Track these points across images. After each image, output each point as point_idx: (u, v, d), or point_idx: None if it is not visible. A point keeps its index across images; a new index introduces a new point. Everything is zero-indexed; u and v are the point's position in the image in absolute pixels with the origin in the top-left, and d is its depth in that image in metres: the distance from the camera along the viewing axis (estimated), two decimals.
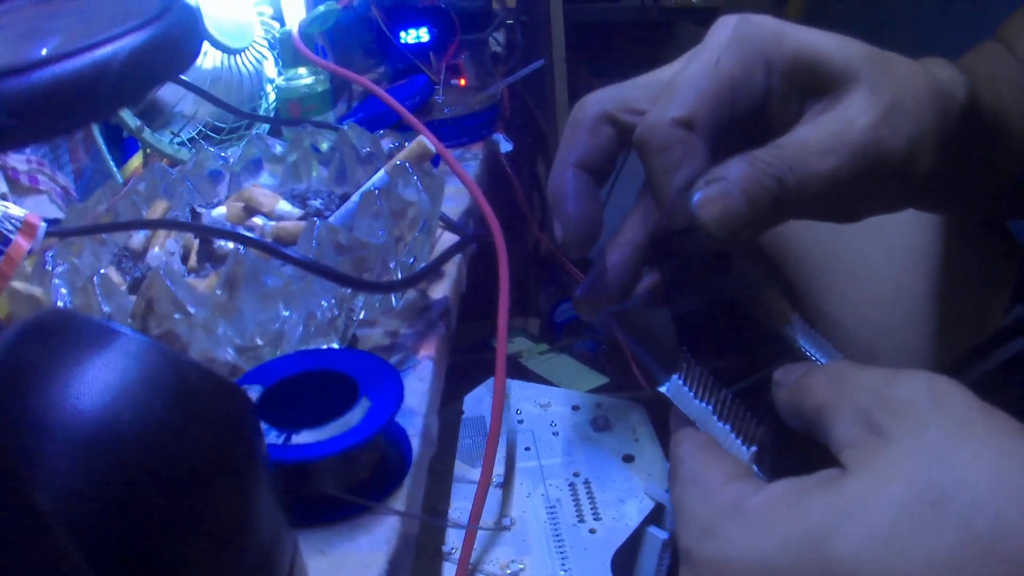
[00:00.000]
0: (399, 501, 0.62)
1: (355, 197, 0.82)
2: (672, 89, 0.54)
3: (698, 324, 0.57)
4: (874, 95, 0.51)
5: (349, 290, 0.72)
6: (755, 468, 0.49)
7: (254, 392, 0.64)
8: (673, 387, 0.52)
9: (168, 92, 1.19)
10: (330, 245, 0.71)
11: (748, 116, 0.55)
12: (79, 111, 0.56)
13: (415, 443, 0.67)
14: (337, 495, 0.60)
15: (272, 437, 0.59)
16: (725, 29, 0.55)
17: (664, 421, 0.54)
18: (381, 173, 0.83)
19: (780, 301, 0.57)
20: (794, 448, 0.49)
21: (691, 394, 0.52)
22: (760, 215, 0.50)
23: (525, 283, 1.85)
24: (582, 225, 0.59)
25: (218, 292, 0.68)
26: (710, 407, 0.51)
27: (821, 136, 0.50)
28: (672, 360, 0.53)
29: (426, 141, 0.85)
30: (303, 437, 0.59)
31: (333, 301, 0.72)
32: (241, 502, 0.43)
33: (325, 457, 0.58)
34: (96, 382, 0.39)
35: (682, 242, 0.56)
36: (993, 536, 0.37)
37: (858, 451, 0.42)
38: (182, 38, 0.61)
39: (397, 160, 0.83)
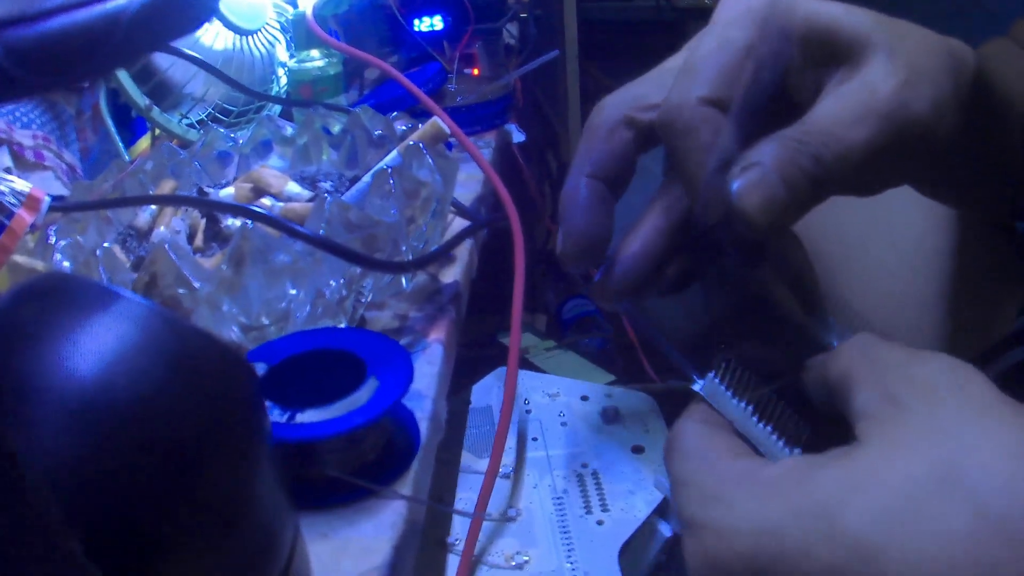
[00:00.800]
0: (406, 486, 0.61)
1: (367, 177, 0.80)
2: (690, 67, 0.53)
3: (733, 320, 0.55)
4: (892, 59, 0.49)
5: (358, 270, 0.71)
6: None
7: (260, 370, 0.62)
8: (709, 386, 0.50)
9: (178, 72, 1.18)
10: (340, 223, 0.70)
11: (771, 91, 0.53)
12: (87, 63, 0.55)
13: (423, 427, 0.65)
14: (341, 477, 0.59)
15: (276, 415, 0.58)
16: (734, 3, 0.55)
17: (675, 412, 0.53)
18: (394, 153, 0.82)
19: (816, 292, 0.56)
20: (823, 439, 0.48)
21: (728, 393, 0.50)
22: (800, 198, 0.48)
23: (533, 279, 1.83)
24: (584, 239, 0.57)
25: (223, 267, 0.67)
26: (749, 408, 0.49)
27: (848, 106, 0.48)
28: (705, 356, 0.51)
29: (440, 122, 0.83)
30: (308, 416, 0.58)
31: (342, 281, 0.71)
32: (241, 478, 0.42)
33: (330, 437, 0.57)
34: (92, 346, 0.37)
35: (715, 234, 0.54)
36: (1004, 515, 0.36)
37: (873, 422, 0.42)
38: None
39: (411, 140, 0.82)
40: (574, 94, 1.64)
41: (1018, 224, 0.73)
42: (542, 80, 1.66)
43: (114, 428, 0.36)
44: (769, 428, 0.48)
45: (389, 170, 0.74)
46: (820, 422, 0.49)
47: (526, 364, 1.30)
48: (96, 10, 0.53)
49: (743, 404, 0.49)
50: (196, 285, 0.67)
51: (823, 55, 0.51)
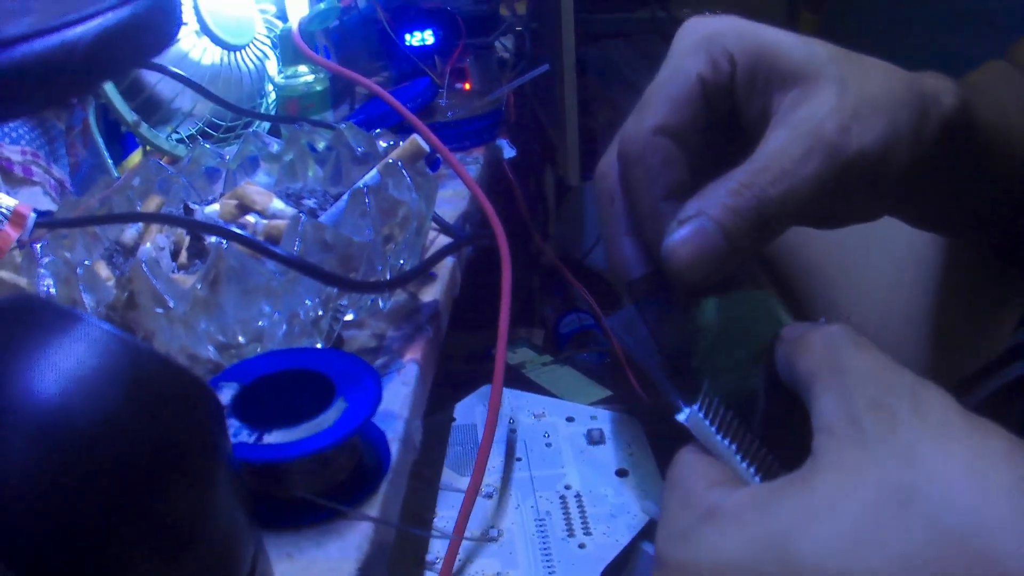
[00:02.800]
0: (374, 507, 0.60)
1: (346, 196, 0.80)
2: (646, 99, 0.53)
3: (706, 344, 0.54)
4: (842, 91, 0.49)
5: (335, 289, 0.70)
6: None
7: (230, 390, 0.62)
8: (693, 418, 0.49)
9: (166, 87, 1.18)
10: (315, 242, 0.69)
11: (723, 117, 0.54)
12: (45, 92, 0.55)
13: (394, 448, 0.65)
14: (309, 498, 0.58)
15: (244, 436, 0.58)
16: (689, 33, 0.54)
17: (660, 436, 0.52)
18: (374, 172, 0.82)
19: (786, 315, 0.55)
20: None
21: (712, 428, 0.49)
22: (742, 245, 0.48)
23: (529, 294, 1.83)
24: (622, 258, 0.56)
25: (198, 287, 0.66)
26: (733, 446, 0.48)
27: (796, 138, 0.49)
28: (691, 387, 0.50)
29: (420, 139, 0.83)
30: (275, 437, 0.57)
31: (317, 300, 0.70)
32: (196, 499, 0.42)
33: (296, 458, 0.56)
34: (52, 367, 0.38)
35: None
36: (965, 532, 0.35)
37: (832, 440, 0.41)
38: (155, 21, 0.60)
39: (390, 159, 0.81)
40: (572, 107, 1.63)
41: None
42: (540, 94, 1.66)
43: (69, 449, 0.36)
44: (753, 469, 0.47)
45: (365, 189, 0.73)
46: (793, 440, 0.48)
47: (522, 379, 1.30)
48: (53, 39, 0.53)
49: (726, 441, 0.48)
50: (171, 304, 0.66)
51: (771, 79, 0.52)
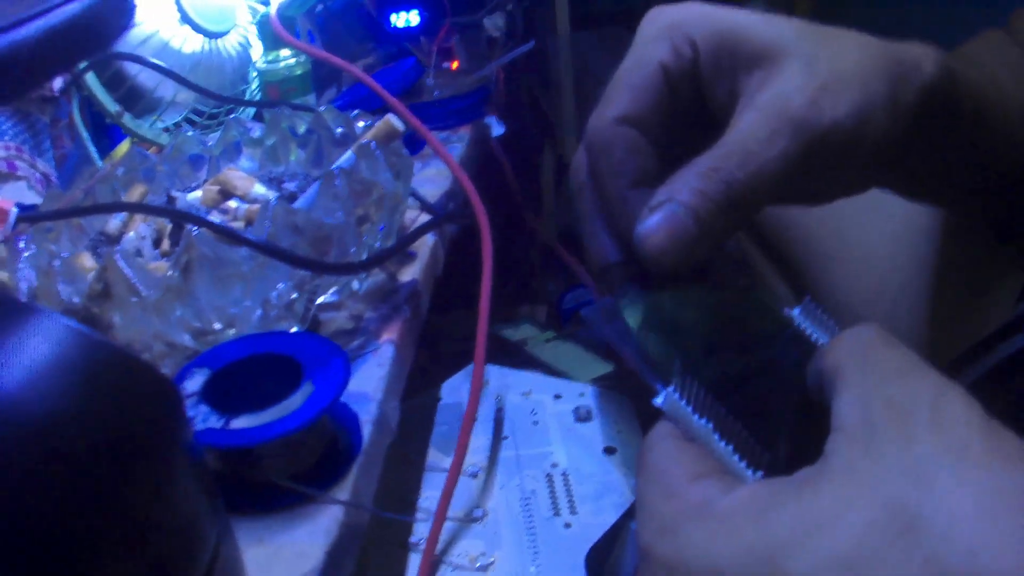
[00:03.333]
0: (345, 490, 0.60)
1: (319, 181, 0.80)
2: (609, 89, 0.53)
3: (687, 333, 0.53)
4: (809, 66, 0.49)
5: (308, 273, 0.70)
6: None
7: (201, 376, 0.62)
8: (668, 401, 0.48)
9: (148, 77, 1.18)
10: (286, 226, 0.69)
11: (690, 104, 0.54)
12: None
13: (367, 430, 0.64)
14: (278, 482, 0.58)
15: (212, 421, 0.57)
16: (651, 21, 0.54)
17: (650, 413, 0.51)
18: (349, 153, 0.81)
19: (776, 288, 0.54)
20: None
21: (688, 409, 0.48)
22: (714, 228, 0.48)
23: (530, 271, 1.82)
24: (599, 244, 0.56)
25: (170, 274, 0.66)
26: (710, 425, 0.47)
27: (763, 120, 0.48)
28: (665, 369, 0.49)
29: (393, 119, 0.82)
30: (242, 421, 0.57)
31: (290, 284, 0.70)
32: (153, 488, 0.41)
33: (263, 442, 0.56)
34: (4, 361, 0.37)
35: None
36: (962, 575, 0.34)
37: (844, 444, 0.39)
38: (105, 15, 0.59)
39: (363, 140, 0.81)
40: (567, 83, 1.63)
41: None
42: (535, 71, 1.65)
43: (22, 441, 0.36)
44: (731, 448, 0.46)
45: (336, 172, 0.73)
46: (787, 432, 0.48)
47: (525, 356, 1.29)
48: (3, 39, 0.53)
49: (704, 420, 0.47)
50: (144, 292, 0.66)
51: (735, 62, 0.51)
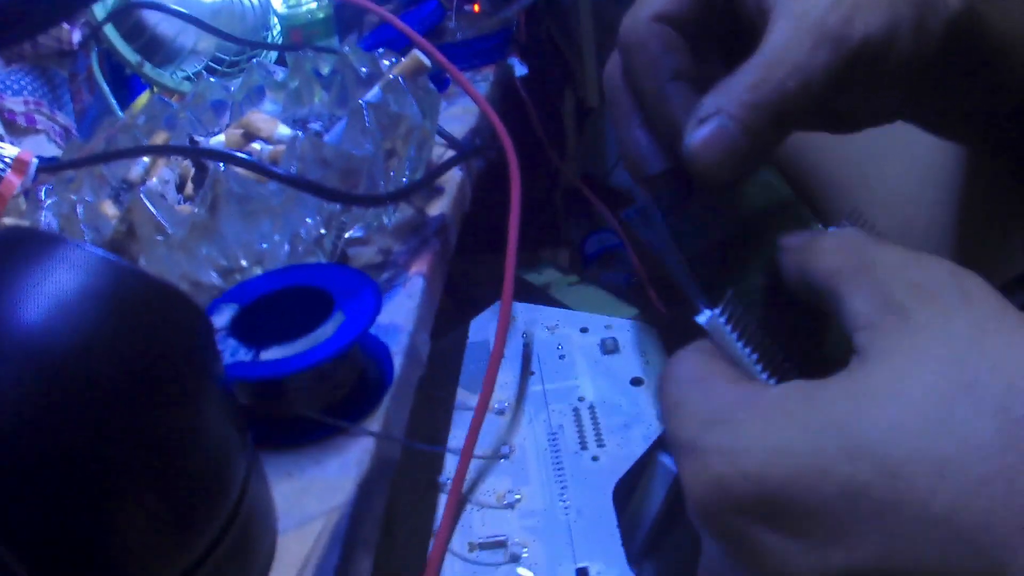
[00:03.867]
0: (376, 422, 0.59)
1: (347, 115, 0.79)
2: None
3: (725, 244, 0.52)
4: None
5: (336, 207, 0.70)
6: None
7: (229, 311, 0.62)
8: (713, 322, 0.48)
9: (168, 26, 1.18)
10: (314, 160, 0.69)
11: (720, 8, 0.53)
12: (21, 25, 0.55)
13: (398, 362, 0.64)
14: (308, 415, 0.58)
15: (241, 354, 0.57)
16: None
17: (677, 344, 0.50)
18: (376, 89, 0.81)
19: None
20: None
21: (734, 336, 0.47)
22: (764, 141, 0.47)
23: (553, 215, 1.82)
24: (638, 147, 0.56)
25: (197, 211, 0.66)
26: (755, 355, 0.47)
27: (802, 31, 0.47)
28: (713, 287, 0.49)
29: (420, 54, 0.82)
30: (272, 353, 0.57)
31: (319, 219, 0.70)
32: (183, 418, 0.42)
33: (294, 373, 0.55)
34: (34, 291, 0.38)
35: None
36: None
37: (877, 333, 0.39)
38: None
39: (391, 75, 0.81)
40: (588, 27, 1.62)
41: None
42: (556, 15, 1.64)
43: (52, 370, 0.36)
44: (774, 381, 0.46)
45: (364, 105, 0.73)
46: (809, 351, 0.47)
47: (548, 299, 1.29)
48: None
49: (747, 349, 0.47)
50: (170, 231, 0.66)
51: None
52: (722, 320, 0.46)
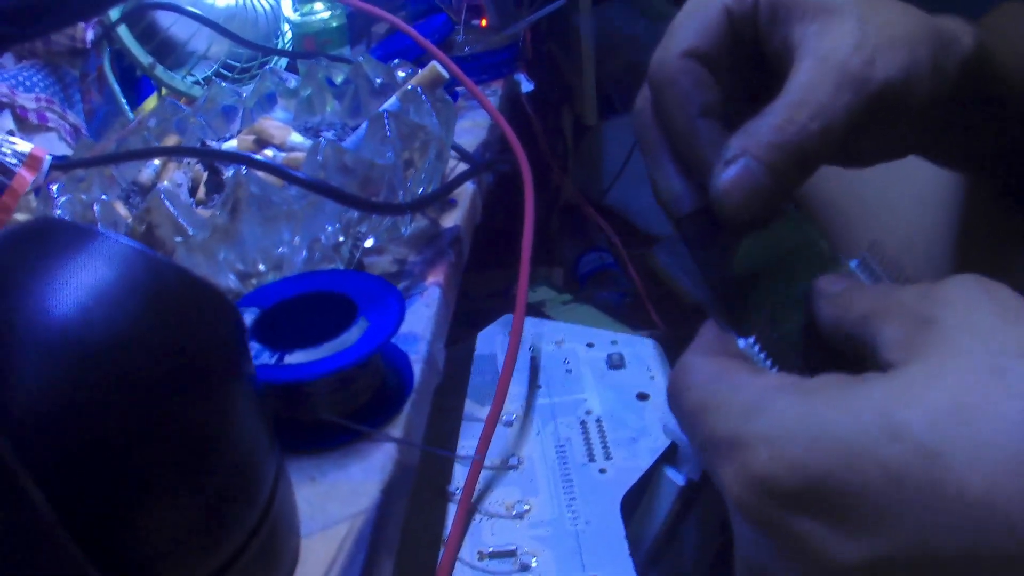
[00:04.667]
0: (397, 428, 0.60)
1: (366, 123, 0.80)
2: (672, 28, 0.54)
3: (752, 280, 0.53)
4: (862, 24, 0.50)
5: (355, 214, 0.70)
6: None
7: (251, 314, 0.62)
8: (748, 352, 0.49)
9: (181, 29, 1.18)
10: (336, 166, 0.69)
11: (748, 48, 0.54)
12: (51, 18, 0.55)
13: (417, 369, 0.65)
14: (332, 420, 0.58)
15: (265, 358, 0.57)
16: None
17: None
18: (393, 99, 0.82)
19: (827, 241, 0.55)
20: None
21: (768, 362, 0.49)
22: (788, 181, 0.49)
23: (548, 233, 1.83)
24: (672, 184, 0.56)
25: (218, 214, 0.66)
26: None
27: (826, 72, 0.49)
28: (744, 318, 0.50)
29: (439, 66, 0.83)
30: (296, 357, 0.57)
31: (338, 226, 0.70)
32: (217, 414, 0.41)
33: (318, 377, 0.56)
34: (69, 283, 0.38)
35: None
36: None
37: (907, 346, 0.40)
38: None
39: (409, 85, 0.81)
40: (588, 46, 1.63)
41: None
42: (557, 34, 1.65)
43: (87, 363, 0.36)
44: None
45: (385, 114, 0.73)
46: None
47: (542, 317, 1.30)
48: None
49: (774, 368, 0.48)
50: (191, 232, 0.66)
51: (790, 14, 0.52)
52: (756, 348, 0.47)
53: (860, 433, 0.37)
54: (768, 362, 0.48)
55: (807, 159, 0.48)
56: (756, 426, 0.41)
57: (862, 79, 0.48)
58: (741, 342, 0.48)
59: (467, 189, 0.90)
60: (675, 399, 0.47)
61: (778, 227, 0.53)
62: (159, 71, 1.14)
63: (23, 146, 0.82)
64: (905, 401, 0.37)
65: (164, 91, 1.18)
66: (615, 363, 0.90)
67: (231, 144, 0.88)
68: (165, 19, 1.16)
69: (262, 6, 1.22)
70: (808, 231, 0.53)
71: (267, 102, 0.97)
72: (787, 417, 0.40)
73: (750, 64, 0.55)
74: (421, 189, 0.77)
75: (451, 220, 0.86)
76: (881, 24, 0.50)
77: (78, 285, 0.38)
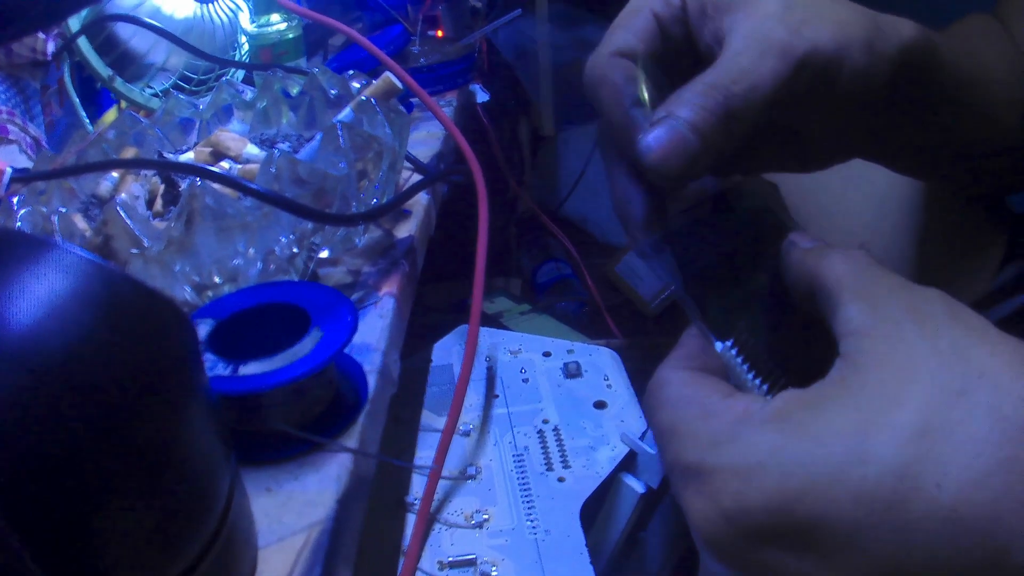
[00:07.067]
0: (352, 439, 0.60)
1: (320, 134, 0.80)
2: (606, 35, 0.57)
3: (712, 261, 0.54)
4: (788, 4, 0.52)
5: (309, 225, 0.70)
6: None
7: (206, 326, 0.62)
8: (726, 354, 0.50)
9: (140, 42, 1.18)
10: (289, 178, 0.69)
11: (680, 48, 0.57)
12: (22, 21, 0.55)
13: (371, 380, 0.65)
14: (286, 430, 0.58)
15: (220, 369, 0.57)
16: None
17: (638, 368, 0.51)
18: (347, 110, 0.82)
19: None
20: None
21: (744, 367, 0.49)
22: (713, 141, 0.50)
23: (506, 244, 1.83)
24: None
25: (173, 226, 0.66)
26: (764, 386, 0.48)
27: (750, 43, 0.51)
28: (723, 322, 0.51)
29: (392, 77, 0.83)
30: (250, 368, 0.57)
31: (292, 237, 0.70)
32: (171, 426, 0.41)
33: (272, 388, 0.56)
34: (22, 293, 0.37)
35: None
36: (1022, 420, 0.36)
37: (867, 340, 0.41)
38: None
39: (363, 96, 0.81)
40: (545, 57, 1.63)
41: (1012, 198, 0.74)
42: (513, 46, 1.65)
43: (41, 373, 0.36)
44: (765, 387, 0.48)
45: (338, 125, 0.73)
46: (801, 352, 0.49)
47: (500, 328, 1.30)
48: None
49: (757, 381, 0.48)
50: (146, 244, 0.66)
51: (717, 8, 0.54)
52: (733, 352, 0.48)
53: (828, 462, 0.38)
54: (745, 366, 0.48)
55: (731, 120, 0.50)
56: (724, 457, 0.41)
57: (787, 46, 0.50)
58: (719, 345, 0.49)
59: (421, 200, 0.90)
60: (649, 414, 0.48)
61: (751, 216, 0.54)
62: (118, 83, 1.14)
63: None
64: (872, 425, 0.38)
65: (123, 103, 1.18)
66: (572, 372, 0.90)
67: (188, 156, 0.88)
68: (124, 31, 1.16)
69: (220, 18, 1.22)
70: (783, 219, 0.54)
71: (224, 114, 0.97)
72: (757, 449, 0.40)
73: (688, 63, 0.56)
74: (375, 200, 0.77)
75: (405, 231, 0.86)
76: (808, 4, 0.52)
77: (32, 297, 0.37)
